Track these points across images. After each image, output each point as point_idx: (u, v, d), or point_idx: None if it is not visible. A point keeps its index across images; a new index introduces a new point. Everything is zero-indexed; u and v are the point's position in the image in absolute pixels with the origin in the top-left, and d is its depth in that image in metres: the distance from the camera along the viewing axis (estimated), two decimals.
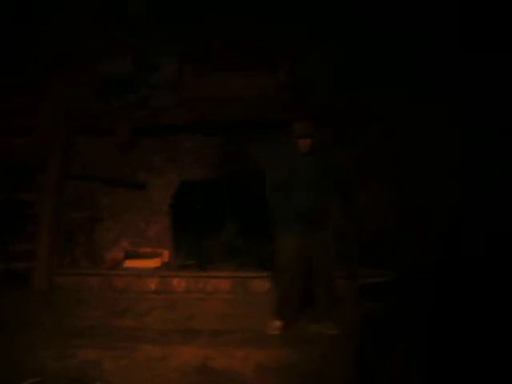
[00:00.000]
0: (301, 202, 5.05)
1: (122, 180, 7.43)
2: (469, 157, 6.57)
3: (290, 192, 5.11)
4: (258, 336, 4.98)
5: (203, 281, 6.73)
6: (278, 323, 5.20)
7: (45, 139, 7.44)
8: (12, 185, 7.35)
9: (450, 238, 6.29)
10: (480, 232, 5.77)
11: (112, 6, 7.45)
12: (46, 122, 7.49)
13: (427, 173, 6.78)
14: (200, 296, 6.47)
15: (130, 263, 7.24)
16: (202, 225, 7.19)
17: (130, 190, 7.39)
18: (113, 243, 7.41)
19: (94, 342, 4.81)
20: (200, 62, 7.46)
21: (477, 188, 6.25)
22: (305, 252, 5.12)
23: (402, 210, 6.85)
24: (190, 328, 5.29)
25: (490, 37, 6.50)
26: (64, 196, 7.40)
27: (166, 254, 7.33)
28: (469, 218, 6.27)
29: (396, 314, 5.23)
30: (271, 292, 5.83)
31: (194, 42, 7.38)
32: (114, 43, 7.42)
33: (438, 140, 6.60)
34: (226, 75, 7.32)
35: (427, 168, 6.78)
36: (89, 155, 7.46)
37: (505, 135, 6.33)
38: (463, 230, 6.24)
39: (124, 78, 7.49)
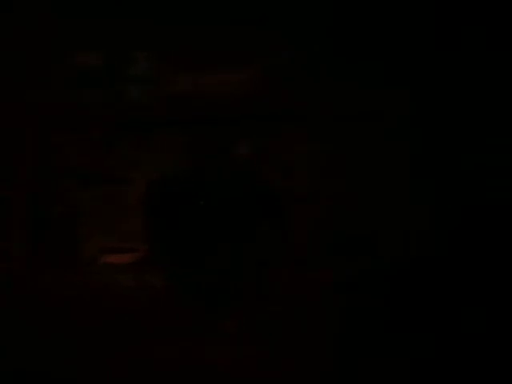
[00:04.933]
0: None
1: (99, 175, 7.37)
2: None
3: None
4: None
5: None
6: None
7: (17, 136, 7.32)
8: None
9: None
10: None
11: None
12: (18, 119, 7.36)
13: None
14: None
15: (105, 259, 7.22)
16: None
17: (107, 186, 7.34)
18: (88, 239, 7.36)
19: None
20: (174, 58, 7.44)
21: None
22: None
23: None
24: None
25: None
26: (39, 192, 7.32)
27: (142, 250, 7.31)
28: None
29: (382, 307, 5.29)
30: None
31: (169, 38, 7.34)
32: (87, 36, 7.33)
33: None
34: (200, 71, 7.34)
35: None
36: (64, 151, 7.37)
37: None
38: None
39: (99, 71, 7.42)
